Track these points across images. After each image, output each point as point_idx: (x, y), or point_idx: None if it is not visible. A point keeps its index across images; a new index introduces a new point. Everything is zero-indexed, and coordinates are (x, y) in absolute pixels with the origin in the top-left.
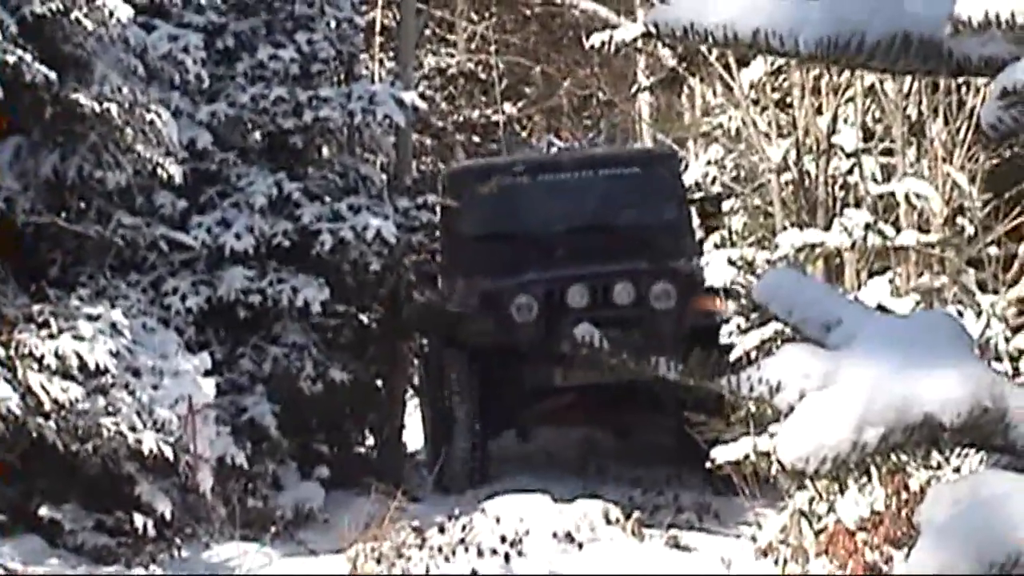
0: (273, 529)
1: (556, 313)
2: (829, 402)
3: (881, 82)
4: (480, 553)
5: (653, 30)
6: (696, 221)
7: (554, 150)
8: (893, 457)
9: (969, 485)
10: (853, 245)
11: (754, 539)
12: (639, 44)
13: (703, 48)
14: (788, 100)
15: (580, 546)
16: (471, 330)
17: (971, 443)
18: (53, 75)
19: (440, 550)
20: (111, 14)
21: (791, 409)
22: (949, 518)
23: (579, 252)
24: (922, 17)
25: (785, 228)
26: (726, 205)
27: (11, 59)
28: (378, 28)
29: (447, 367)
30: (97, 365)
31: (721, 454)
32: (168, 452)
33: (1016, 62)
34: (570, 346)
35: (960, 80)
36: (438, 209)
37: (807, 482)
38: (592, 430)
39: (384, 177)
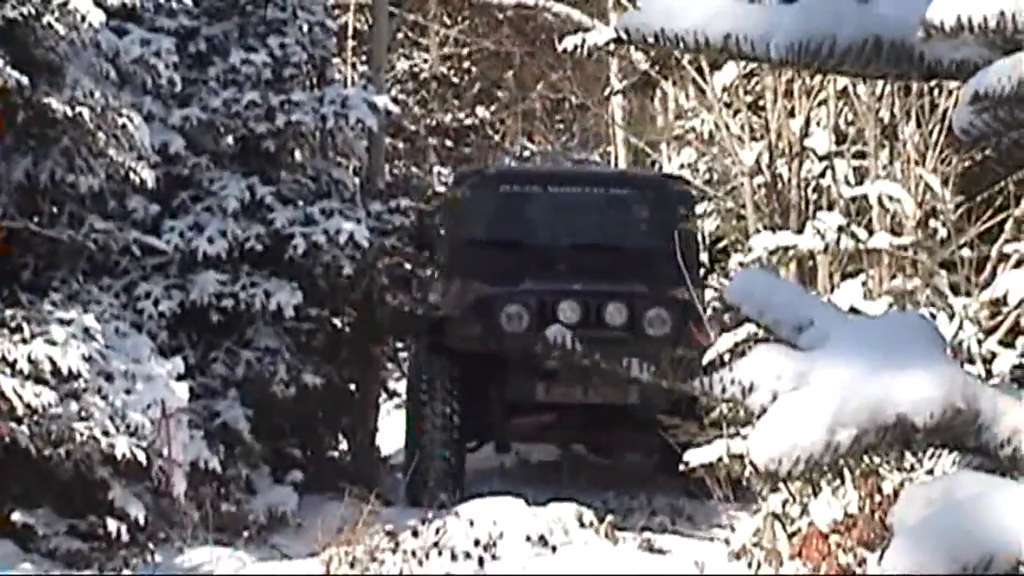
0: (246, 533)
1: (545, 327)
2: (802, 403)
3: (854, 85)
4: (454, 557)
5: (624, 35)
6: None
7: (568, 164)
8: (866, 459)
9: (942, 486)
10: (826, 248)
11: (727, 542)
12: (612, 48)
13: (675, 52)
14: (761, 103)
15: (554, 549)
16: (456, 335)
17: (944, 444)
18: (25, 80)
19: (414, 554)
20: (83, 18)
21: (763, 410)
22: (922, 519)
23: (578, 268)
24: (893, 21)
25: (758, 231)
26: (699, 208)
27: None
28: (350, 32)
29: (426, 372)
30: (70, 370)
31: (694, 457)
32: (141, 456)
33: (987, 67)
34: (543, 348)
35: (932, 83)
36: (442, 212)
37: (780, 484)
38: (570, 447)
39: (357, 181)
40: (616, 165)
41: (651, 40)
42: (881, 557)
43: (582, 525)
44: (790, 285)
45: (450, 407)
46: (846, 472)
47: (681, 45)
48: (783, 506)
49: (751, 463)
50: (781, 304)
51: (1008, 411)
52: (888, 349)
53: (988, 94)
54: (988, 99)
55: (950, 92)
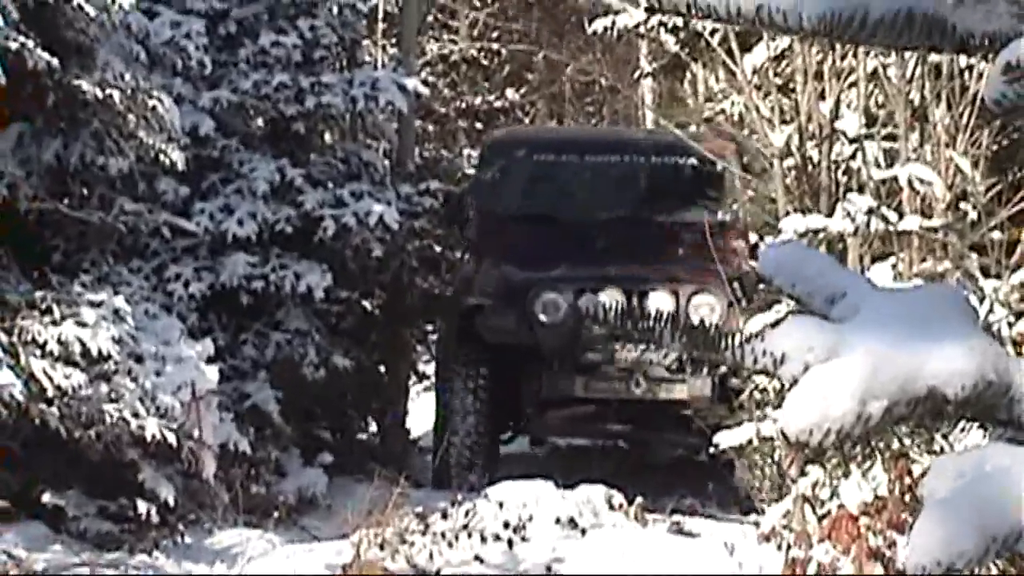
0: (276, 515)
1: (581, 317)
2: (833, 374)
3: (884, 67)
4: (483, 539)
5: (656, 4)
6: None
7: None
8: (896, 437)
9: (973, 458)
10: (856, 230)
11: (757, 524)
12: (642, 30)
13: (705, 33)
14: (791, 86)
15: (583, 532)
16: (487, 325)
17: (975, 417)
18: (55, 61)
19: (443, 536)
20: (113, 0)
21: (795, 381)
22: (952, 491)
23: (619, 247)
24: None
25: (788, 214)
26: None
27: (13, 45)
28: (381, 14)
29: (455, 361)
30: (100, 351)
31: (724, 439)
32: (171, 438)
33: (1020, 37)
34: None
35: (963, 65)
36: (470, 183)
37: (810, 463)
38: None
39: (387, 163)
40: None
41: (683, 10)
42: (911, 531)
43: (612, 508)
44: (823, 257)
45: (480, 400)
46: (876, 454)
47: (713, 15)
48: (813, 488)
49: (782, 434)
50: (813, 276)
51: None
52: (920, 321)
53: (1020, 64)
54: (1020, 69)
55: (980, 74)
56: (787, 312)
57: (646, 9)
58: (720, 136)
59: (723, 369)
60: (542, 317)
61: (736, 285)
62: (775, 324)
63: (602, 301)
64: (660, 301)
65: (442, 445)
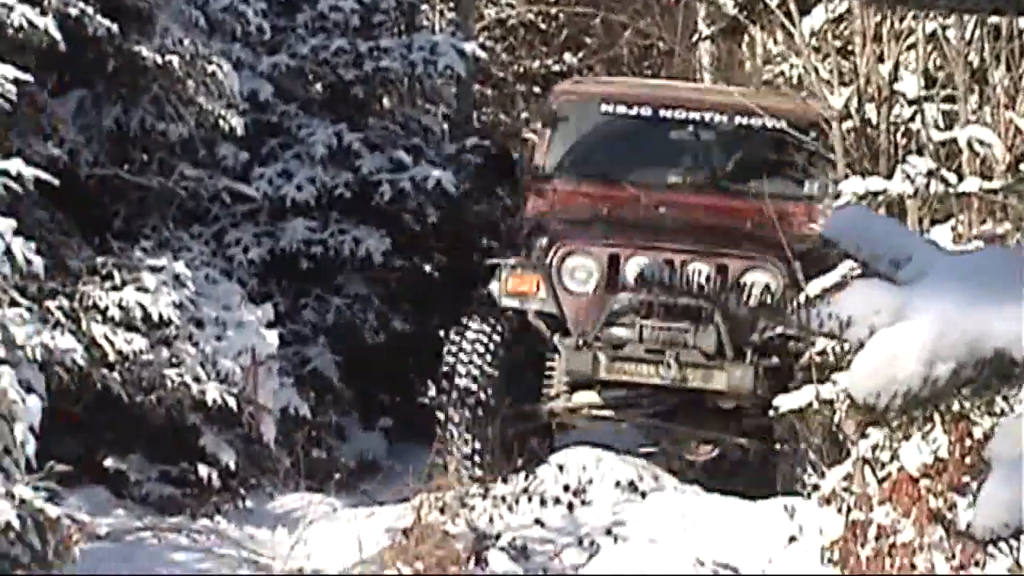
0: (336, 479)
1: (616, 286)
2: (900, 337)
3: (943, 28)
4: (543, 502)
5: None
6: None
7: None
8: (956, 404)
9: None
10: (915, 192)
11: (816, 488)
12: None
13: None
14: (849, 48)
15: (643, 495)
16: (504, 288)
17: None
18: (115, 27)
19: (503, 499)
20: None
21: (861, 345)
22: (1018, 454)
23: (683, 218)
24: None
25: (847, 176)
26: None
27: (74, 12)
28: None
29: (470, 328)
30: (161, 316)
31: (784, 402)
32: (232, 403)
33: None
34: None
35: (1023, 25)
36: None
37: (870, 429)
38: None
39: (445, 127)
40: None
41: None
42: (975, 495)
43: (672, 472)
44: (888, 220)
45: (489, 375)
46: (936, 417)
47: None
48: (873, 451)
49: (849, 397)
50: (879, 239)
51: None
52: (985, 284)
53: None
54: None
55: None
56: (851, 275)
57: None
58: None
59: (771, 360)
60: (569, 285)
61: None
62: (838, 287)
63: (631, 268)
64: (700, 273)
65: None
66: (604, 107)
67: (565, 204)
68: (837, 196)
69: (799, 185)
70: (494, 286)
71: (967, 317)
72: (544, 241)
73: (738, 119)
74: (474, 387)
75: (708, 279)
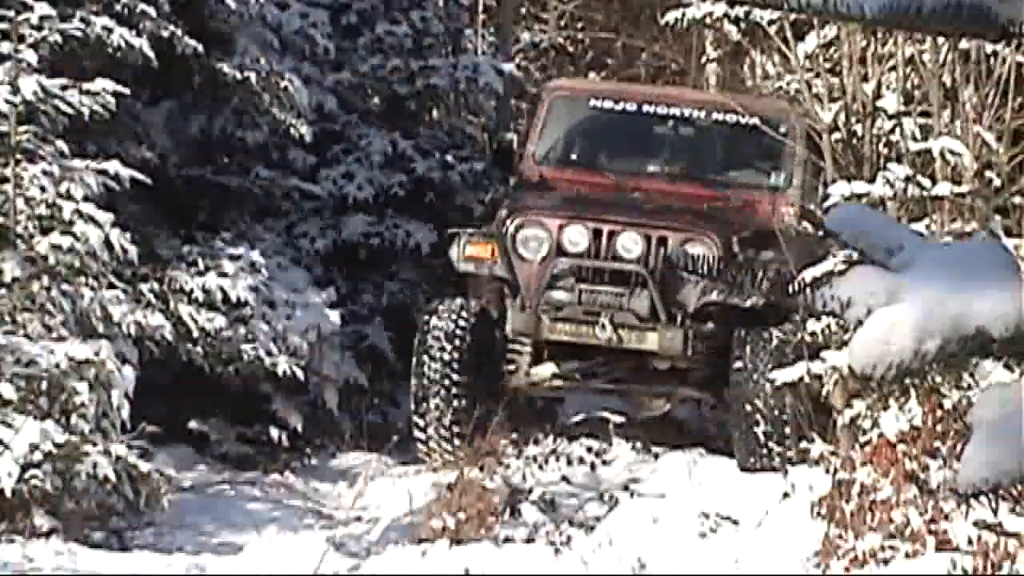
0: (391, 441)
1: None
2: (894, 316)
3: (920, 53)
4: (569, 462)
5: None
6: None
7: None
8: (930, 378)
9: (1015, 389)
10: (895, 195)
11: (807, 451)
12: (708, 21)
13: (764, 23)
14: (837, 69)
15: (656, 456)
16: (463, 254)
17: (1017, 354)
18: (200, 47)
19: (535, 459)
20: None
21: (859, 323)
22: (997, 418)
23: (648, 202)
24: None
25: (835, 180)
26: None
27: (164, 33)
28: (481, 7)
29: (436, 296)
30: (238, 298)
31: (781, 376)
32: (299, 374)
33: None
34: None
35: (989, 51)
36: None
37: (853, 400)
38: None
39: (486, 136)
40: None
41: (760, 1)
42: (945, 458)
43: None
44: (882, 216)
45: (459, 355)
46: (911, 390)
47: (785, 5)
48: (856, 420)
49: (849, 368)
50: (874, 231)
51: None
52: (968, 271)
53: None
54: None
55: (1004, 59)
56: (850, 262)
57: (728, 2)
58: (783, 101)
59: (706, 325)
60: (522, 252)
61: (780, 246)
62: (840, 273)
63: (565, 236)
64: (629, 244)
65: (416, 388)
66: (592, 102)
67: (550, 188)
68: (826, 198)
69: (766, 176)
70: (453, 252)
71: (952, 299)
72: (503, 212)
73: (714, 115)
74: (444, 367)
75: (634, 247)
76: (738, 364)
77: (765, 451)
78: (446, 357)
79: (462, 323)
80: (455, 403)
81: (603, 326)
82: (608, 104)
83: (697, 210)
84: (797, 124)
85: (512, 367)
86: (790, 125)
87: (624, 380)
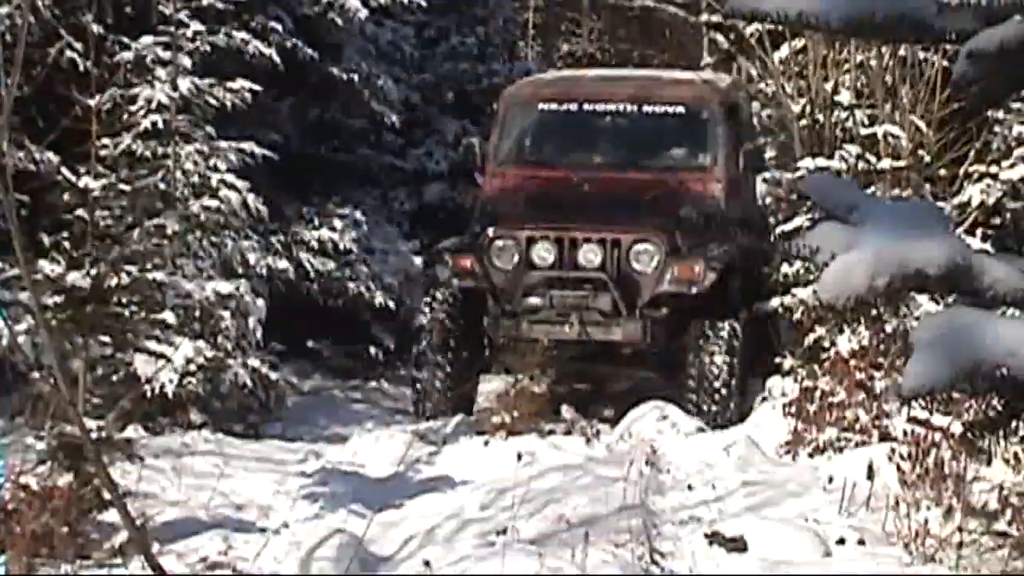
0: None
1: (531, 264)
2: (852, 260)
3: (868, 59)
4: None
5: (731, 11)
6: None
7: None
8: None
9: (948, 315)
10: (848, 169)
11: (780, 365)
12: (704, 30)
13: (748, 35)
14: (804, 72)
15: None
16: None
17: (949, 288)
18: (316, 55)
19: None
20: (354, 14)
21: (826, 265)
22: (934, 337)
23: (599, 197)
24: (915, 1)
25: (803, 157)
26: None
27: (289, 44)
28: (531, 24)
29: (429, 297)
30: (345, 247)
31: (760, 307)
32: (392, 305)
33: (978, 33)
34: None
35: (921, 57)
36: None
37: (816, 326)
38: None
39: None
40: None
41: (748, 14)
42: (887, 371)
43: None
44: (845, 182)
45: (446, 338)
46: (860, 318)
47: (768, 19)
48: (818, 340)
49: (818, 298)
50: (838, 194)
51: (990, 268)
52: (909, 225)
53: (977, 52)
54: (977, 55)
55: (932, 64)
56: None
57: (724, 15)
58: (708, 83)
59: (660, 311)
60: (497, 263)
61: (707, 222)
62: (810, 227)
63: (537, 252)
64: (590, 255)
65: (418, 377)
66: (540, 105)
67: (512, 188)
68: (796, 170)
69: (695, 157)
70: (439, 269)
71: (897, 247)
72: (478, 228)
73: (645, 107)
74: (439, 344)
75: (595, 256)
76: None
77: (716, 412)
78: (439, 339)
79: (452, 316)
80: (447, 369)
81: (572, 324)
82: (554, 106)
83: (644, 203)
84: (717, 108)
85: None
86: (711, 109)
87: (593, 364)
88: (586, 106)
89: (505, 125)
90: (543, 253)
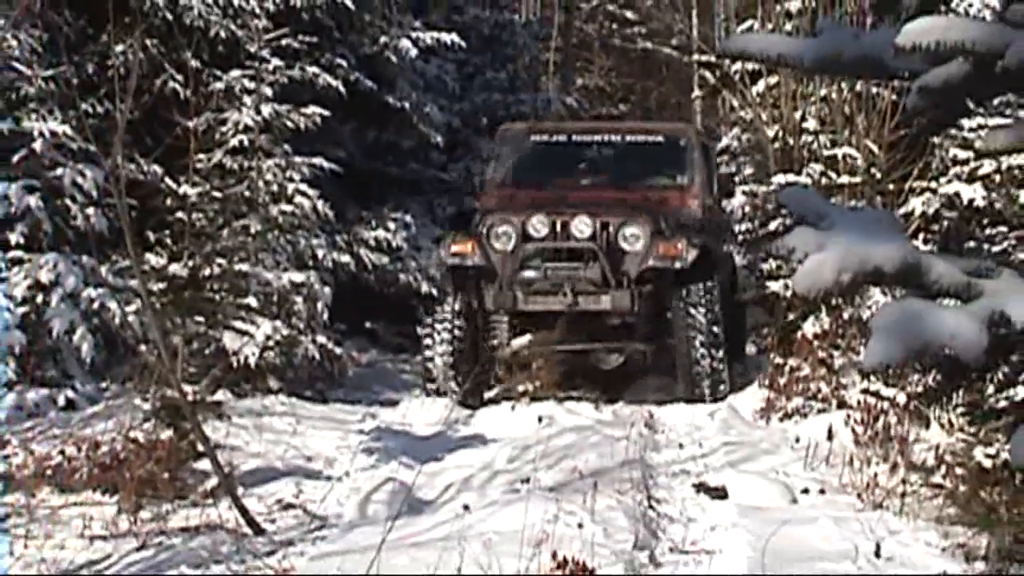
0: None
1: (524, 239)
2: (821, 259)
3: (830, 93)
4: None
5: (722, 52)
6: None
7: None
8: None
9: (900, 305)
10: (813, 183)
11: (759, 343)
12: (696, 68)
13: (731, 72)
14: (778, 103)
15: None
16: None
17: (902, 283)
18: (374, 86)
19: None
20: (406, 53)
21: (800, 262)
22: (889, 323)
23: (587, 201)
24: (873, 46)
25: (776, 173)
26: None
27: (352, 77)
28: (551, 63)
29: (439, 285)
30: (397, 245)
31: (747, 294)
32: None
33: (927, 72)
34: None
35: (874, 92)
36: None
37: (789, 312)
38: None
39: None
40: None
41: (736, 55)
42: (845, 350)
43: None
44: (816, 194)
45: (454, 322)
46: (823, 306)
47: (752, 59)
48: (790, 323)
49: (793, 291)
50: (811, 205)
51: (935, 266)
52: (869, 230)
53: (926, 87)
54: (926, 90)
55: (883, 97)
56: (791, 225)
57: (718, 55)
58: (682, 122)
59: (647, 286)
60: (495, 245)
61: (690, 227)
62: (786, 232)
63: (532, 226)
64: (581, 226)
65: (428, 356)
66: (534, 137)
67: (509, 197)
68: (770, 184)
69: (673, 179)
70: (441, 251)
71: (859, 248)
72: (478, 217)
73: (628, 138)
74: (450, 339)
75: (586, 229)
76: (677, 315)
77: (705, 383)
78: (451, 334)
79: (462, 314)
80: (453, 367)
81: (565, 294)
82: (545, 137)
83: (630, 202)
84: (693, 138)
85: (495, 341)
86: (688, 139)
87: (585, 341)
88: (575, 137)
89: (502, 155)
90: (538, 226)
